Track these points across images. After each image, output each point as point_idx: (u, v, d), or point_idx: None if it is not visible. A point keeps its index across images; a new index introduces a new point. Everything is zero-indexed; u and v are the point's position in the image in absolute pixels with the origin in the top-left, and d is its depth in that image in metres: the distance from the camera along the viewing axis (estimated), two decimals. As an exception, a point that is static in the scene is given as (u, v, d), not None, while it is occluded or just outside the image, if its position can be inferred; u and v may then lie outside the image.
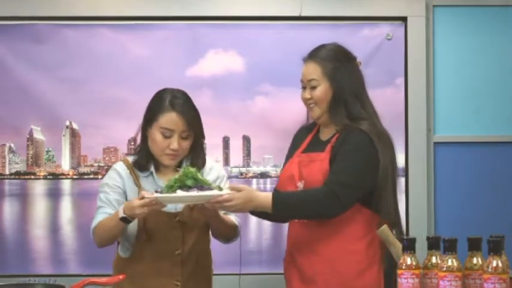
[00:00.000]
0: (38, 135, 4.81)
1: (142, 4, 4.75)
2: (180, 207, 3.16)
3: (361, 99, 3.13)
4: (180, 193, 2.89)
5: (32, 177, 4.80)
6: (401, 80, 4.77)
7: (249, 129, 4.77)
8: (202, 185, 2.91)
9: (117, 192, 3.20)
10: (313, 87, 3.07)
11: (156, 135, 3.18)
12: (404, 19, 4.77)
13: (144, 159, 3.24)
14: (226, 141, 4.79)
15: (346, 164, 2.97)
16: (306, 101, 3.11)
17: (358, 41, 4.77)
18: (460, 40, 4.80)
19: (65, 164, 4.85)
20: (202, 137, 3.26)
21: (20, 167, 4.81)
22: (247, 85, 4.74)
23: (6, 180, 4.80)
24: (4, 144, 4.77)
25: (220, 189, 2.96)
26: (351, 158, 2.97)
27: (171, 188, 2.91)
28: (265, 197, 2.94)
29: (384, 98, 4.77)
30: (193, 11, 4.75)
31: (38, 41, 4.75)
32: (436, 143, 4.77)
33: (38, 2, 4.72)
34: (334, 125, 3.09)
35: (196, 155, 3.21)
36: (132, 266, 3.21)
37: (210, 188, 2.92)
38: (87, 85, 4.77)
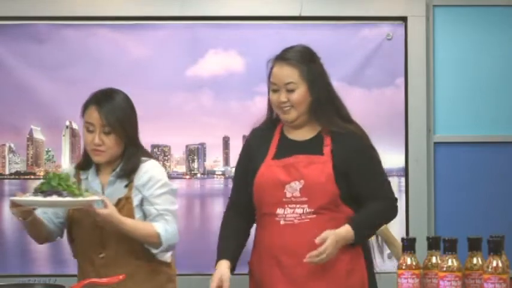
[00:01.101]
0: (38, 135, 4.81)
1: (142, 4, 4.75)
2: None
3: (337, 97, 3.12)
4: (33, 197, 2.88)
5: (32, 177, 4.79)
6: (401, 80, 4.77)
7: (249, 129, 4.74)
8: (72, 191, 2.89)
9: None
10: (291, 90, 3.01)
11: (84, 131, 3.20)
12: (404, 19, 4.77)
13: (82, 159, 3.26)
14: (226, 141, 4.79)
15: (377, 171, 3.10)
16: (280, 103, 3.02)
17: (358, 41, 4.78)
18: (460, 40, 4.80)
19: (65, 164, 4.84)
20: (133, 140, 3.21)
21: (20, 167, 4.81)
22: (247, 85, 4.74)
23: (6, 180, 4.81)
24: (4, 144, 4.77)
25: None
26: (377, 167, 3.11)
27: (36, 191, 2.91)
28: (346, 232, 2.93)
29: (384, 98, 4.77)
30: (193, 11, 4.75)
31: (38, 41, 4.75)
32: (436, 143, 4.77)
33: (38, 2, 4.72)
34: (324, 125, 3.05)
35: (126, 159, 3.17)
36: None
37: (75, 195, 2.89)
38: (87, 85, 4.73)
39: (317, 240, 2.85)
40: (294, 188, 3.00)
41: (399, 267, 2.53)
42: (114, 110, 3.17)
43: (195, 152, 4.87)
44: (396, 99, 4.78)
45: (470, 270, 2.49)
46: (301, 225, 2.99)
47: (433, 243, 2.56)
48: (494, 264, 2.35)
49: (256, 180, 3.04)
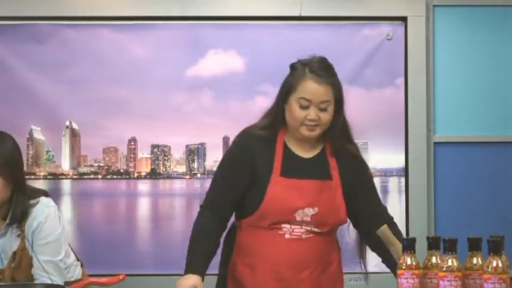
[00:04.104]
0: (38, 135, 4.81)
1: (142, 4, 4.75)
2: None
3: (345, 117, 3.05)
4: None
5: (32, 177, 4.79)
6: (401, 80, 4.77)
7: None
8: None
9: None
10: (323, 109, 2.88)
11: None
12: (404, 19, 4.77)
13: None
14: (226, 141, 4.79)
15: (376, 190, 3.11)
16: (309, 121, 2.89)
17: (358, 41, 4.78)
18: (460, 40, 4.80)
19: (65, 164, 4.85)
20: (21, 185, 3.04)
21: (20, 167, 4.81)
22: (247, 85, 4.74)
23: (6, 180, 4.80)
24: (4, 144, 4.77)
25: None
26: (374, 184, 3.12)
27: None
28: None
29: (384, 98, 4.78)
30: (194, 11, 4.75)
31: (38, 41, 4.75)
32: (436, 143, 4.77)
33: (39, 2, 4.72)
34: (333, 146, 2.98)
35: (14, 205, 3.02)
36: None
37: None
38: (87, 85, 4.77)
39: None
40: (305, 214, 2.92)
41: (399, 267, 2.52)
42: (2, 154, 2.99)
43: (195, 152, 4.88)
44: (396, 99, 4.78)
45: (470, 270, 2.48)
46: (308, 240, 2.95)
47: (433, 243, 2.55)
48: (494, 264, 2.34)
49: (266, 198, 2.90)
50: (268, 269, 2.93)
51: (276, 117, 2.96)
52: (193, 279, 2.83)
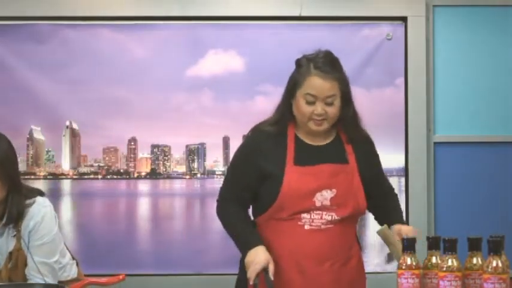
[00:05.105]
0: (38, 135, 4.81)
1: (142, 4, 4.75)
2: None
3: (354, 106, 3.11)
4: None
5: (32, 177, 4.80)
6: (401, 80, 4.78)
7: (249, 129, 4.76)
8: None
9: None
10: (330, 103, 2.92)
11: None
12: (404, 19, 4.77)
13: None
14: (226, 141, 4.79)
15: (383, 170, 3.23)
16: (316, 115, 2.93)
17: (358, 41, 4.78)
18: (460, 40, 4.81)
19: (65, 164, 4.85)
20: (16, 186, 3.02)
21: (20, 167, 4.78)
22: (247, 85, 4.74)
23: (6, 180, 4.80)
24: (4, 144, 4.77)
25: None
26: (382, 168, 3.23)
27: None
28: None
29: (384, 98, 4.78)
30: (193, 11, 4.75)
31: (38, 41, 4.75)
32: (436, 143, 4.77)
33: (39, 2, 4.72)
34: (350, 136, 3.04)
35: (10, 206, 3.00)
36: None
37: None
38: (87, 85, 4.77)
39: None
40: (324, 197, 2.94)
41: (399, 267, 2.53)
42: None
43: (195, 152, 4.88)
44: (396, 99, 4.78)
45: (470, 270, 2.48)
46: (328, 231, 2.95)
47: (433, 243, 2.56)
48: (494, 264, 2.35)
49: (283, 187, 2.92)
50: (290, 261, 2.94)
51: (283, 112, 3.01)
52: (259, 251, 2.89)
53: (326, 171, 2.96)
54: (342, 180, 2.96)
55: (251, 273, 2.84)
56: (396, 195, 3.21)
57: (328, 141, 3.04)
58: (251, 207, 3.07)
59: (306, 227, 2.94)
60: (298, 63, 2.99)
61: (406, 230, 2.92)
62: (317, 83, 2.92)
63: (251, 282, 2.82)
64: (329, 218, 2.94)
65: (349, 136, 3.04)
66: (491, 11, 4.80)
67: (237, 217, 3.01)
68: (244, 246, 2.93)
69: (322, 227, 2.94)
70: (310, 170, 2.95)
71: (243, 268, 2.94)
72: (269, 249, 2.94)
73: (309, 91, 2.92)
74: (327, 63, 2.95)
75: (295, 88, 2.95)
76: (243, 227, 2.99)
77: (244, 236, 2.96)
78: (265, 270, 2.84)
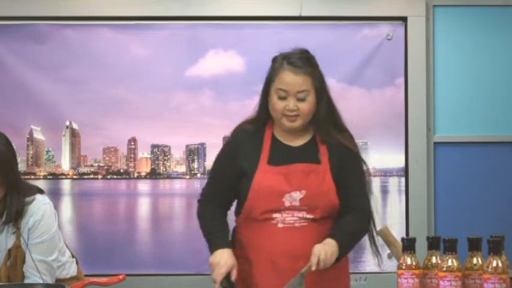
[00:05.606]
0: (38, 135, 4.81)
1: (143, 4, 4.75)
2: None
3: (334, 105, 3.05)
4: None
5: (32, 177, 4.80)
6: (401, 80, 4.77)
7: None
8: None
9: None
10: (302, 99, 2.91)
11: None
12: (404, 19, 4.77)
13: None
14: (226, 141, 4.79)
15: (361, 185, 3.04)
16: (287, 111, 2.92)
17: (358, 41, 4.78)
18: (460, 40, 4.80)
19: (65, 164, 4.85)
20: (14, 186, 3.01)
21: (20, 167, 4.78)
22: (247, 85, 4.73)
23: (6, 180, 4.80)
24: (4, 144, 4.77)
25: None
26: (363, 178, 3.05)
27: None
28: (333, 245, 2.89)
29: (384, 98, 4.78)
30: (193, 11, 4.75)
31: (38, 41, 4.75)
32: (436, 143, 4.77)
33: (38, 2, 4.72)
34: (322, 137, 2.99)
35: (9, 204, 3.00)
36: None
37: None
38: (87, 85, 4.77)
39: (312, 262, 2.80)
40: (293, 198, 2.94)
41: (399, 267, 2.53)
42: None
43: (195, 152, 4.88)
44: (396, 99, 4.78)
45: (470, 270, 2.49)
46: (302, 229, 2.95)
47: (433, 243, 2.56)
48: (494, 264, 2.35)
49: (253, 185, 2.94)
50: (264, 260, 2.95)
51: (261, 110, 3.03)
52: (225, 254, 2.90)
53: (297, 171, 2.95)
54: (312, 181, 2.94)
55: (217, 276, 2.86)
56: (361, 216, 3.01)
57: (305, 141, 3.02)
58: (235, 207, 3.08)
59: (280, 225, 2.95)
60: (274, 59, 3.02)
61: (315, 253, 2.82)
62: (288, 78, 2.93)
63: (217, 286, 2.84)
64: (300, 215, 2.94)
65: (322, 138, 3.00)
66: (491, 11, 4.80)
67: (211, 218, 3.04)
68: (211, 247, 2.96)
69: (296, 224, 2.94)
70: (281, 169, 2.95)
71: None
72: (247, 249, 2.98)
73: (280, 86, 2.93)
74: (300, 59, 2.95)
75: (269, 84, 2.98)
76: (214, 228, 3.01)
77: (213, 237, 2.99)
78: (228, 274, 2.88)
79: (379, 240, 3.11)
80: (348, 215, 2.96)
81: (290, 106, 2.92)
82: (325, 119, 2.98)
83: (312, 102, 2.94)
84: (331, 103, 3.01)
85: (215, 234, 2.99)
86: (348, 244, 2.95)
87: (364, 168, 3.06)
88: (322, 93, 2.96)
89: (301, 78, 2.92)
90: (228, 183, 3.02)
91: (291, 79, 2.92)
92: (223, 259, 2.89)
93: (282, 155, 2.99)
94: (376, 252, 3.11)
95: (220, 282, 2.85)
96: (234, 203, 3.10)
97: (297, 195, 2.94)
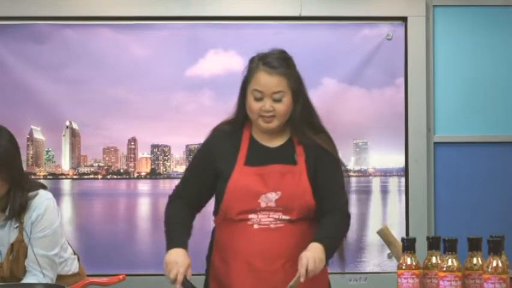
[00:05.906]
0: (38, 135, 4.81)
1: (143, 4, 4.75)
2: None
3: (312, 105, 3.03)
4: None
5: (32, 177, 4.79)
6: (401, 80, 4.78)
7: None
8: None
9: None
10: (278, 100, 2.90)
11: None
12: (404, 19, 4.77)
13: None
14: (226, 141, 4.79)
15: (340, 185, 3.01)
16: (263, 112, 2.91)
17: (358, 41, 4.78)
18: (460, 40, 4.81)
19: (65, 164, 4.85)
20: (18, 181, 3.02)
21: (20, 167, 4.81)
22: (247, 85, 4.73)
23: (6, 180, 4.80)
24: (4, 144, 4.77)
25: None
26: (339, 179, 3.02)
27: None
28: (321, 252, 2.83)
29: (384, 98, 4.78)
30: (193, 11, 4.75)
31: (38, 41, 4.75)
32: (436, 143, 4.77)
33: (38, 2, 4.72)
34: (298, 138, 2.98)
35: (12, 200, 3.00)
36: None
37: None
38: (87, 85, 4.77)
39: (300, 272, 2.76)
40: (269, 199, 2.93)
41: (399, 267, 2.53)
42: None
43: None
44: (396, 99, 4.78)
45: (470, 270, 2.49)
46: (278, 230, 2.93)
47: (433, 243, 2.56)
48: (494, 264, 2.35)
49: (228, 186, 2.94)
50: (240, 261, 2.94)
51: (238, 111, 3.02)
52: (180, 253, 2.93)
53: (273, 172, 2.94)
54: (288, 182, 2.93)
55: (179, 276, 2.87)
56: (339, 217, 2.97)
57: (282, 142, 3.02)
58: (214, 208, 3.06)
59: (255, 226, 2.94)
60: (251, 60, 3.00)
61: (303, 263, 2.76)
62: (263, 79, 2.91)
63: (178, 286, 2.85)
64: (276, 216, 2.92)
65: (297, 136, 2.99)
66: (491, 11, 4.80)
67: (174, 215, 3.05)
68: (168, 245, 2.97)
69: (272, 225, 2.93)
70: (258, 170, 2.95)
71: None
72: (224, 251, 2.99)
73: (256, 87, 2.92)
74: (277, 59, 2.94)
75: (246, 85, 2.97)
76: (174, 226, 3.01)
77: (171, 234, 3.00)
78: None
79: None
80: (326, 216, 2.93)
81: (266, 107, 2.91)
82: (301, 120, 2.96)
83: (288, 103, 2.93)
84: (308, 104, 3.00)
85: (174, 232, 2.99)
86: (333, 246, 2.91)
87: (342, 168, 3.04)
88: (299, 95, 2.95)
89: (276, 79, 2.91)
90: (201, 183, 3.02)
91: (266, 80, 2.91)
92: (180, 258, 2.90)
93: (259, 156, 2.98)
94: (341, 255, 3.09)
95: (182, 282, 2.85)
96: (211, 204, 3.08)
97: (273, 196, 2.93)
